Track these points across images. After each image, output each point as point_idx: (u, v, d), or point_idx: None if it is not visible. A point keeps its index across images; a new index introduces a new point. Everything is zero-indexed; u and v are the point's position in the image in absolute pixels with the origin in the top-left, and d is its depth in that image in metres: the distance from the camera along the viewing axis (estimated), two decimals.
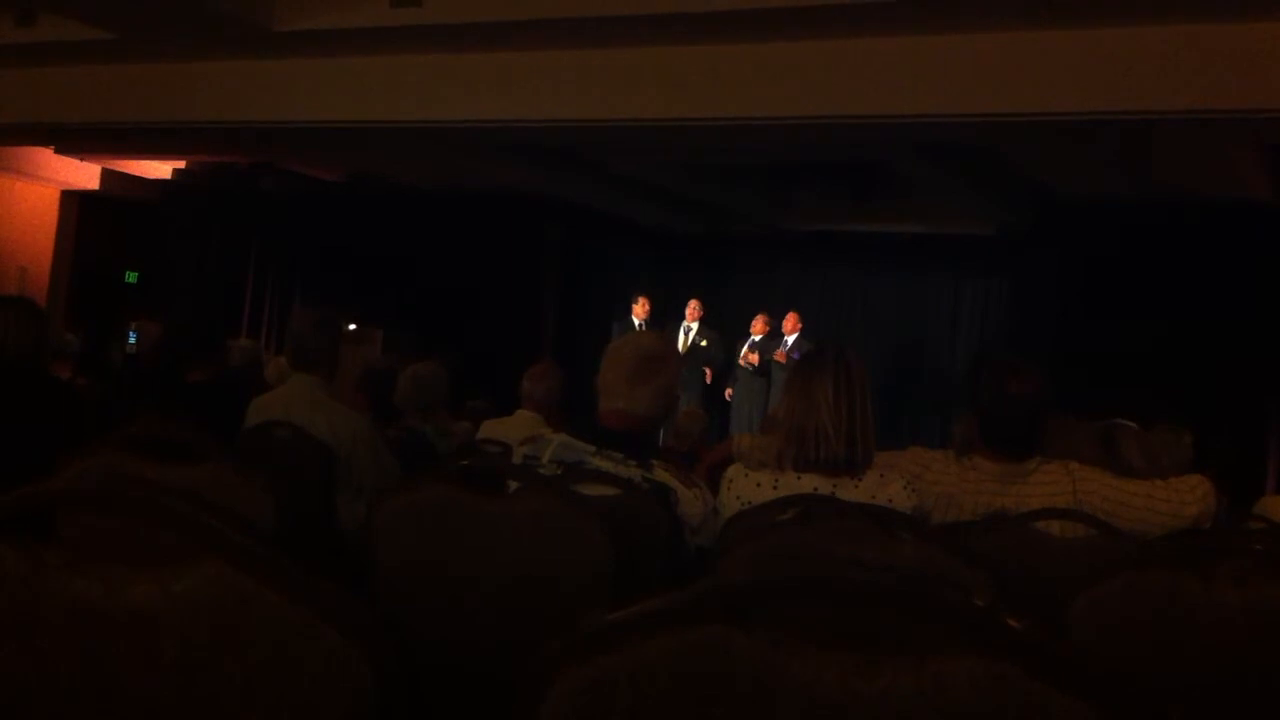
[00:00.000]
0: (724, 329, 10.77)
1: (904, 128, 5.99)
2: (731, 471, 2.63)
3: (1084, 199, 8.85)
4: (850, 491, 2.44)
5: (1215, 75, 4.98)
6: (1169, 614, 1.76)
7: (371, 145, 8.76)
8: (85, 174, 11.27)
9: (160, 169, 11.60)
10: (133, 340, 9.25)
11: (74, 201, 11.58)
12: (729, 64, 5.83)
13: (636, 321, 10.16)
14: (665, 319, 11.01)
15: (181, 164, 11.59)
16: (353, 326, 10.25)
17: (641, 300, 10.33)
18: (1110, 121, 5.52)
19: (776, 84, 5.76)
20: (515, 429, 4.44)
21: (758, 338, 10.40)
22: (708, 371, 10.27)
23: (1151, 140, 6.72)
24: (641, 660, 0.88)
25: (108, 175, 11.39)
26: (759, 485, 2.51)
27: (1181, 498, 2.74)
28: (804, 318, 10.45)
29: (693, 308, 10.50)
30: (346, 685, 0.97)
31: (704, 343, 10.38)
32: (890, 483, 2.50)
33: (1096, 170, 8.03)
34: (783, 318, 10.44)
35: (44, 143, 10.33)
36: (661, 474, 2.44)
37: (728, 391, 10.51)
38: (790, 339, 10.25)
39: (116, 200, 11.57)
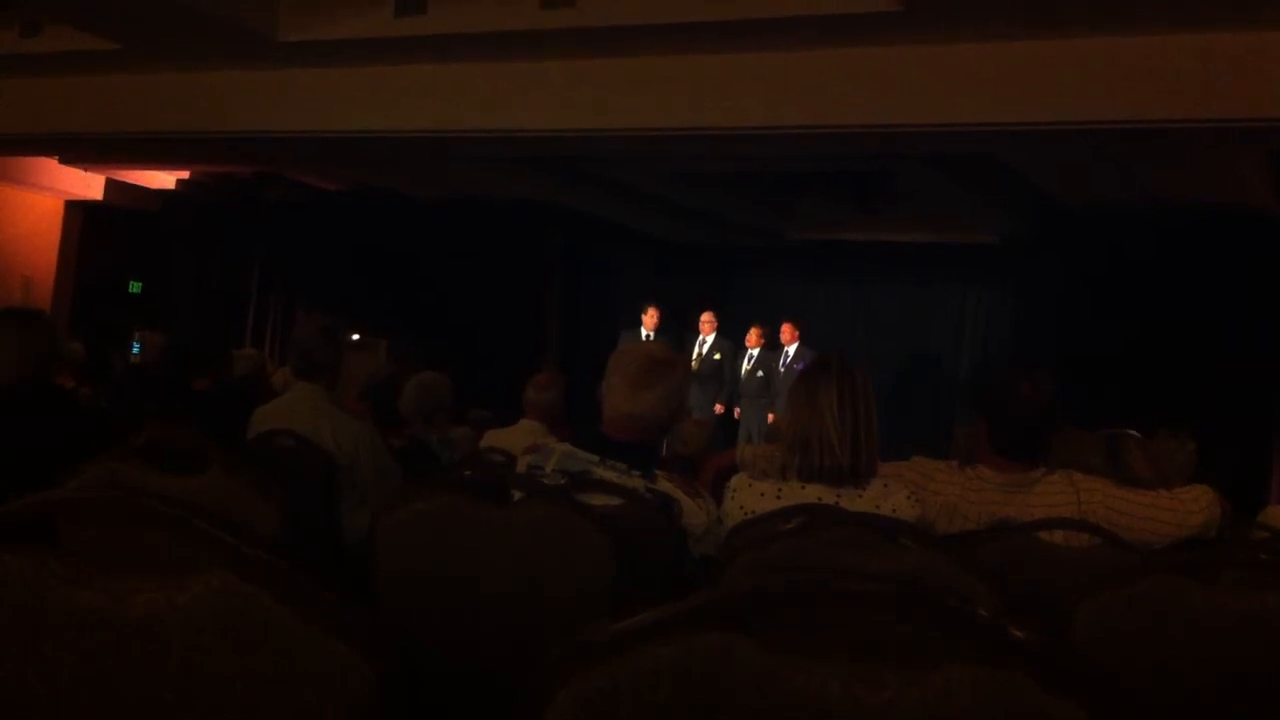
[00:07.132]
0: (727, 339, 10.66)
1: (911, 138, 6.00)
2: (735, 481, 2.61)
3: (1087, 207, 8.85)
4: (854, 501, 2.43)
5: (1220, 84, 4.99)
6: (1171, 622, 1.76)
7: (375, 155, 8.77)
8: (89, 184, 11.28)
9: (164, 179, 11.62)
10: (136, 350, 9.25)
11: (78, 211, 11.59)
12: (733, 73, 5.83)
13: (645, 332, 10.05)
14: (674, 330, 10.88)
15: (185, 174, 11.61)
16: (356, 336, 10.24)
17: (651, 311, 10.19)
18: (1115, 131, 5.53)
19: (780, 93, 5.77)
20: (518, 438, 4.44)
21: (755, 350, 10.31)
22: (719, 407, 10.15)
23: (1154, 148, 6.72)
24: (644, 668, 0.88)
25: (111, 185, 11.40)
26: (763, 495, 2.50)
27: (1186, 508, 2.73)
28: (808, 327, 10.32)
29: (707, 320, 10.23)
30: (349, 693, 0.97)
31: (717, 355, 10.24)
32: (894, 493, 2.48)
33: (1099, 178, 8.03)
34: (782, 328, 10.32)
35: (48, 153, 10.35)
36: (665, 484, 2.44)
37: (736, 411, 10.40)
38: (790, 349, 10.17)
39: (120, 210, 11.59)
